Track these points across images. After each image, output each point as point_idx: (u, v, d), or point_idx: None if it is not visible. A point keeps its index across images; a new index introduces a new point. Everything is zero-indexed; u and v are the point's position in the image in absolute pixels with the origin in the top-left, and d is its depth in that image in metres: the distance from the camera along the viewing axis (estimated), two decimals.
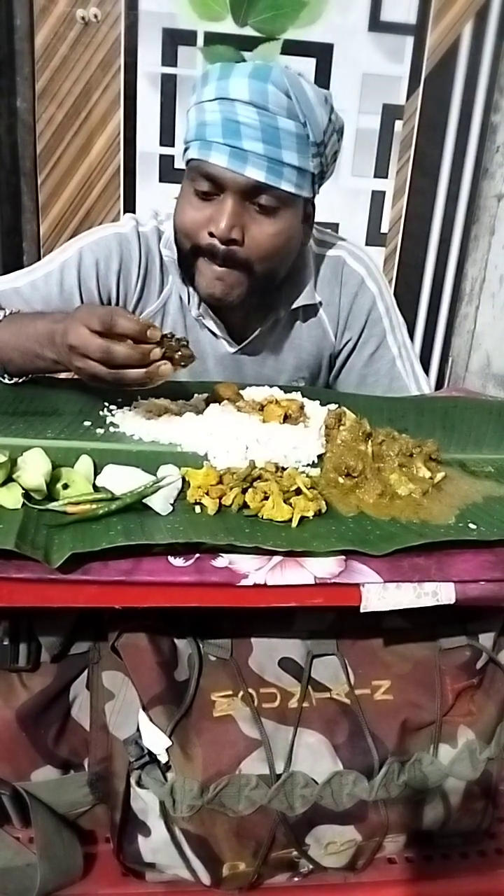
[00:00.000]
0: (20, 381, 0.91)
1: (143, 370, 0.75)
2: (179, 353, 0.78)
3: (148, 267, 1.07)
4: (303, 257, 1.07)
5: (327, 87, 1.13)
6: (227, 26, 1.83)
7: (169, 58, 1.85)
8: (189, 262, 0.98)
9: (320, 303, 1.11)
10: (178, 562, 0.56)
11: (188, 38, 1.84)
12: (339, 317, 1.13)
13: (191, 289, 1.04)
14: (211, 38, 1.84)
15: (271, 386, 0.95)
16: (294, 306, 1.09)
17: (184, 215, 0.96)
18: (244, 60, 0.94)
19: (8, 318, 0.91)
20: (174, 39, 1.84)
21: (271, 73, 0.88)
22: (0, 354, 0.88)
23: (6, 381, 0.90)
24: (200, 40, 1.84)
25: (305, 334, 1.13)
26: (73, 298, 1.03)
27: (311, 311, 1.12)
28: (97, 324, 0.74)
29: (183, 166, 0.97)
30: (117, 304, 1.07)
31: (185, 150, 0.95)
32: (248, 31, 1.84)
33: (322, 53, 1.88)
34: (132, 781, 0.62)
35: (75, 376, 0.82)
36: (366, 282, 1.12)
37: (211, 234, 0.93)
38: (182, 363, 0.78)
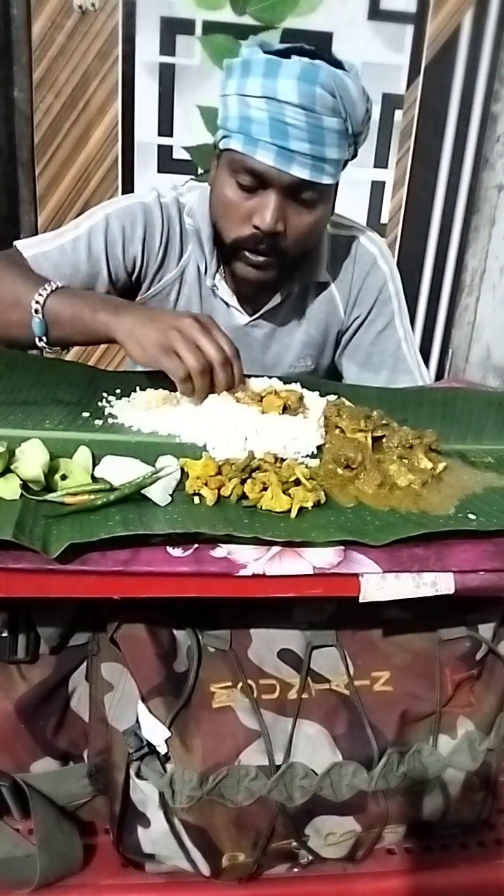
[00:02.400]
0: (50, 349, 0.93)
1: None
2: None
3: (169, 235, 1.09)
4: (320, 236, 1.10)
5: None
6: (226, 15, 1.82)
7: (167, 47, 1.84)
8: (228, 250, 1.01)
9: (330, 281, 1.13)
10: (176, 552, 0.56)
11: (186, 27, 1.83)
12: (351, 294, 1.15)
13: (209, 259, 1.08)
14: (209, 27, 1.83)
15: (270, 377, 0.94)
16: (306, 283, 1.12)
17: (226, 207, 0.98)
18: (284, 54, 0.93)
19: (60, 292, 0.91)
20: (172, 28, 1.82)
21: (319, 74, 0.88)
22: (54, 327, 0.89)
23: (44, 344, 0.92)
24: (199, 29, 1.83)
25: (315, 310, 1.15)
26: (99, 263, 1.05)
27: (322, 287, 1.14)
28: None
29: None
30: (140, 270, 1.10)
31: (224, 136, 0.96)
32: (247, 20, 1.83)
33: (321, 42, 1.86)
34: (131, 773, 0.62)
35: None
36: (378, 262, 1.15)
37: (255, 227, 0.95)
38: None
